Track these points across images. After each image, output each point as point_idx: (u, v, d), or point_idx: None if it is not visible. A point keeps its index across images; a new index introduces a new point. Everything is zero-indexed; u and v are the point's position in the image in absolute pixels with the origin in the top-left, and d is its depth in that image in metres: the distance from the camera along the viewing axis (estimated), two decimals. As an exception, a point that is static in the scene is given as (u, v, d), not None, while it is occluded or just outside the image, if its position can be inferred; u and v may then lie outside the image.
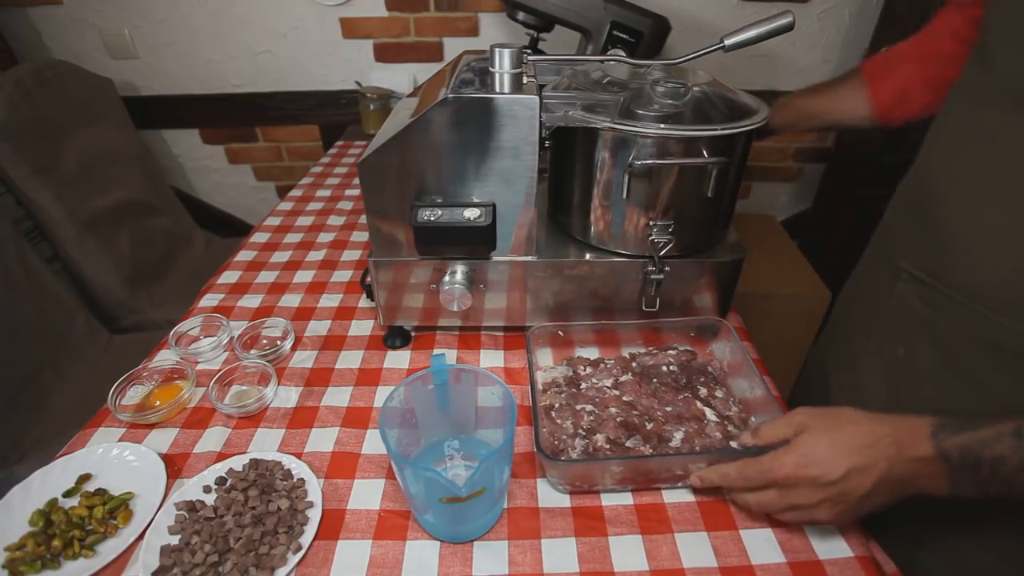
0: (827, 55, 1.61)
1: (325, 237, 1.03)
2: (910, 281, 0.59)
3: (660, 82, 0.59)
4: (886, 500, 0.46)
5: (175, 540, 0.50)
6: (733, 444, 0.56)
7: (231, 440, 0.61)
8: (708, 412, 0.59)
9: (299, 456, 0.58)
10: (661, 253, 0.64)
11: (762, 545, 0.50)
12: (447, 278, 0.66)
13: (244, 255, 0.97)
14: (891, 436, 0.45)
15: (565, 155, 0.66)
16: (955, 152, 0.55)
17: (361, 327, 0.78)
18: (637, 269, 0.67)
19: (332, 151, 1.48)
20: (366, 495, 0.55)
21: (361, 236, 1.03)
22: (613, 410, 0.59)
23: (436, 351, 0.73)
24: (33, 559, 0.49)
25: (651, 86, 0.60)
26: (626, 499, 0.54)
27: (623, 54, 1.07)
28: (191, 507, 0.52)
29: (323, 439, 0.61)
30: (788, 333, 1.44)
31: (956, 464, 0.43)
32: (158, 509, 0.53)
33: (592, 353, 0.69)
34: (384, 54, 1.61)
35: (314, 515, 0.52)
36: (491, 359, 0.72)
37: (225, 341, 0.75)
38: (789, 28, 0.61)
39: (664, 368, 0.65)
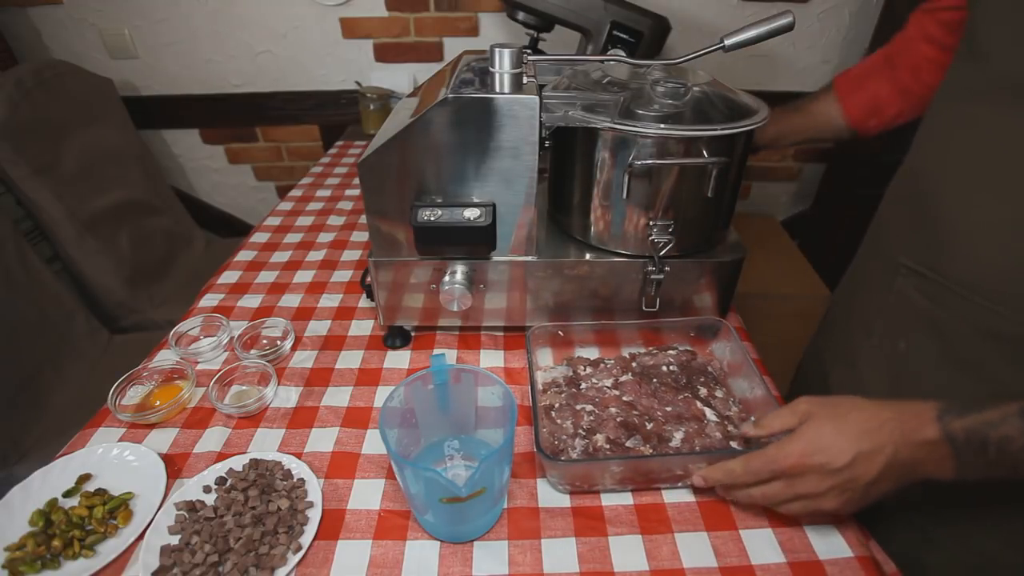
0: (827, 55, 1.61)
1: (325, 237, 1.03)
2: (909, 275, 0.59)
3: (660, 82, 0.59)
4: (892, 486, 0.46)
5: (175, 540, 0.50)
6: (733, 444, 0.56)
7: (231, 440, 0.61)
8: (708, 412, 0.59)
9: (299, 456, 0.58)
10: (661, 253, 0.64)
11: (762, 545, 0.50)
12: (447, 278, 0.66)
13: (244, 255, 0.97)
14: (896, 420, 0.45)
15: (565, 155, 0.66)
16: (949, 147, 0.56)
17: (361, 327, 0.78)
18: (637, 269, 0.67)
19: (332, 151, 1.48)
20: (366, 495, 0.55)
21: (361, 236, 1.03)
22: (613, 410, 0.59)
23: (436, 351, 0.73)
24: (33, 559, 0.49)
25: (651, 86, 0.60)
26: (626, 499, 0.54)
27: (623, 54, 1.07)
28: (191, 507, 0.52)
29: (323, 439, 0.61)
30: (788, 333, 1.44)
31: (962, 446, 0.43)
32: (158, 509, 0.53)
33: (592, 353, 0.69)
34: (384, 54, 1.61)
35: (314, 515, 0.52)
36: (491, 359, 0.72)
37: (225, 341, 0.75)
38: (789, 28, 0.61)
39: (664, 368, 0.65)
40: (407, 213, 0.62)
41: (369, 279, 0.71)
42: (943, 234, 0.55)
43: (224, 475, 0.56)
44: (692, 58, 0.63)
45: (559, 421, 0.58)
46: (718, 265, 0.68)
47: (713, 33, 1.17)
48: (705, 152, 0.58)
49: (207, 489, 0.55)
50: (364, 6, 1.53)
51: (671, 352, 0.67)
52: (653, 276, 0.65)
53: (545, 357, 0.67)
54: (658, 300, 0.68)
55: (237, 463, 0.57)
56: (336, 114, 1.70)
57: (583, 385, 0.64)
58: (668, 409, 0.60)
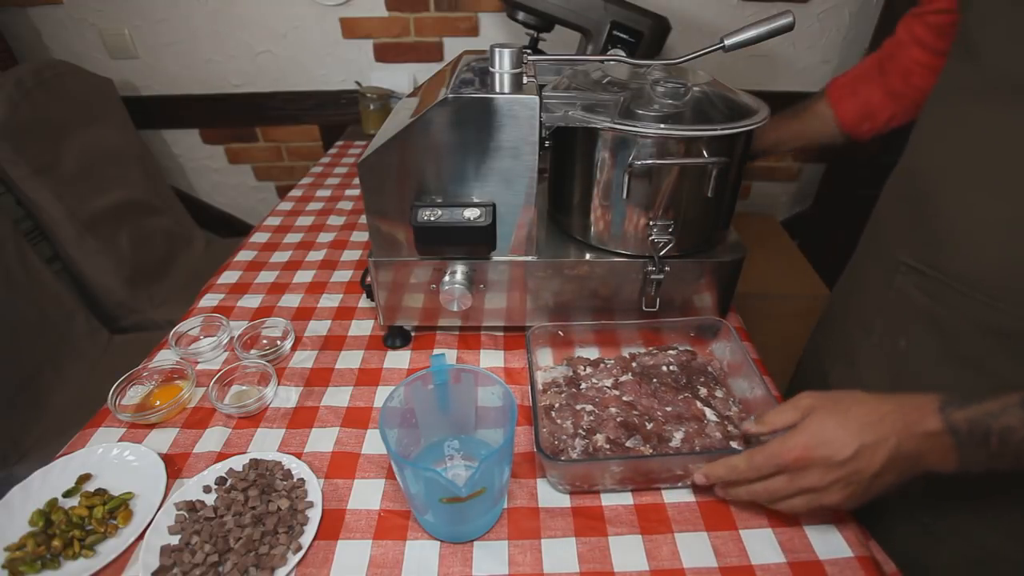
0: (827, 55, 1.61)
1: (325, 237, 1.03)
2: (909, 273, 0.59)
3: (660, 82, 0.59)
4: (896, 479, 0.46)
5: (175, 540, 0.50)
6: (733, 444, 0.56)
7: (231, 440, 0.61)
8: (708, 412, 0.59)
9: (299, 456, 0.58)
10: (661, 253, 0.64)
11: (762, 545, 0.50)
12: (447, 278, 0.66)
13: (244, 255, 0.97)
14: (898, 413, 0.45)
15: (565, 155, 0.66)
16: (945, 146, 0.56)
17: (361, 327, 0.78)
18: (637, 269, 0.67)
19: (332, 151, 1.48)
20: (366, 495, 0.55)
21: (361, 236, 1.03)
22: (613, 410, 0.59)
23: (436, 351, 0.73)
24: (33, 559, 0.49)
25: (651, 86, 0.60)
26: (626, 499, 0.54)
27: (623, 54, 1.07)
28: (191, 507, 0.52)
29: (323, 439, 0.61)
30: (788, 333, 1.44)
31: (964, 438, 0.43)
32: (158, 509, 0.53)
33: (592, 353, 0.69)
34: (384, 54, 1.61)
35: (314, 515, 0.52)
36: (491, 359, 0.72)
37: (225, 341, 0.75)
38: (789, 28, 0.61)
39: (664, 368, 0.65)
40: (407, 213, 0.62)
41: (369, 279, 0.71)
42: (942, 232, 0.55)
43: (224, 475, 0.56)
44: (692, 58, 0.63)
45: (559, 421, 0.58)
46: (718, 265, 0.68)
47: (713, 33, 1.17)
48: (705, 152, 0.58)
49: (207, 489, 0.55)
50: (364, 6, 1.53)
51: (671, 352, 0.67)
52: (653, 276, 0.65)
53: (545, 357, 0.67)
54: (658, 300, 0.68)
55: (237, 463, 0.57)
56: (336, 114, 1.70)
57: (583, 385, 0.64)
58: (668, 409, 0.60)
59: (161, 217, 1.53)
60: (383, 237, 0.66)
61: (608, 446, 0.55)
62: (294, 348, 0.75)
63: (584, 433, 0.57)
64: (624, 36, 1.08)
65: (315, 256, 0.96)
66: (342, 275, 0.91)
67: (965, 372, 0.55)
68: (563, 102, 0.61)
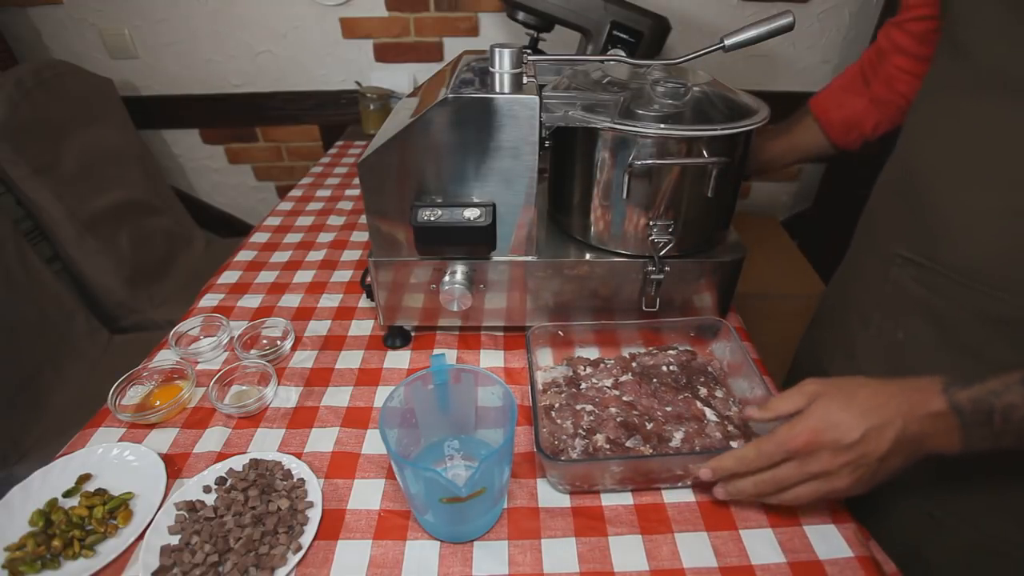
0: (827, 55, 1.61)
1: (325, 237, 1.03)
2: (905, 265, 0.60)
3: (660, 82, 0.59)
4: (903, 462, 0.46)
5: (175, 540, 0.50)
6: (733, 444, 0.56)
7: (231, 440, 0.61)
8: (708, 412, 0.59)
9: (299, 456, 0.58)
10: (661, 253, 0.64)
11: (762, 545, 0.50)
12: (447, 278, 0.66)
13: (244, 255, 0.97)
14: (903, 395, 0.46)
15: (565, 155, 0.66)
16: (937, 140, 0.57)
17: (361, 327, 0.78)
18: (637, 269, 0.67)
19: (332, 151, 1.48)
20: (366, 495, 0.55)
21: (361, 236, 1.03)
22: (613, 410, 0.59)
23: (436, 351, 0.73)
24: (33, 559, 0.49)
25: (651, 86, 0.60)
26: (626, 499, 0.54)
27: (623, 54, 1.07)
28: (191, 507, 0.52)
29: (323, 439, 0.61)
30: (788, 333, 1.44)
31: (968, 417, 0.44)
32: (158, 509, 0.53)
33: (592, 353, 0.69)
34: (384, 54, 1.61)
35: (314, 515, 0.52)
36: (491, 359, 0.72)
37: (225, 341, 0.75)
38: (789, 28, 0.61)
39: (664, 368, 0.65)
40: (407, 213, 0.62)
41: (369, 279, 0.71)
42: (937, 223, 0.56)
43: (224, 475, 0.56)
44: (692, 58, 0.63)
45: (559, 421, 0.58)
46: (718, 265, 0.68)
47: (713, 33, 1.17)
48: (705, 152, 0.58)
49: (207, 489, 0.55)
50: (364, 6, 1.53)
51: (671, 352, 0.67)
52: (653, 276, 0.65)
53: (545, 357, 0.67)
54: (658, 300, 0.68)
55: (237, 463, 0.57)
56: (336, 114, 1.70)
57: (583, 385, 0.64)
58: (668, 409, 0.60)
59: (161, 217, 1.53)
60: (383, 237, 0.66)
61: (608, 446, 0.55)
62: (294, 348, 0.75)
63: (584, 433, 0.57)
64: (624, 36, 1.08)
65: (315, 256, 0.96)
66: (342, 275, 0.91)
67: (964, 362, 0.55)
68: (563, 102, 0.61)
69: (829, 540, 0.51)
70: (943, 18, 0.58)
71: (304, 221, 1.09)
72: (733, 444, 0.56)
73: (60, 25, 1.54)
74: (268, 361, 0.70)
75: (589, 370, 0.66)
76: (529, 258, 0.67)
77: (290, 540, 0.50)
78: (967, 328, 0.54)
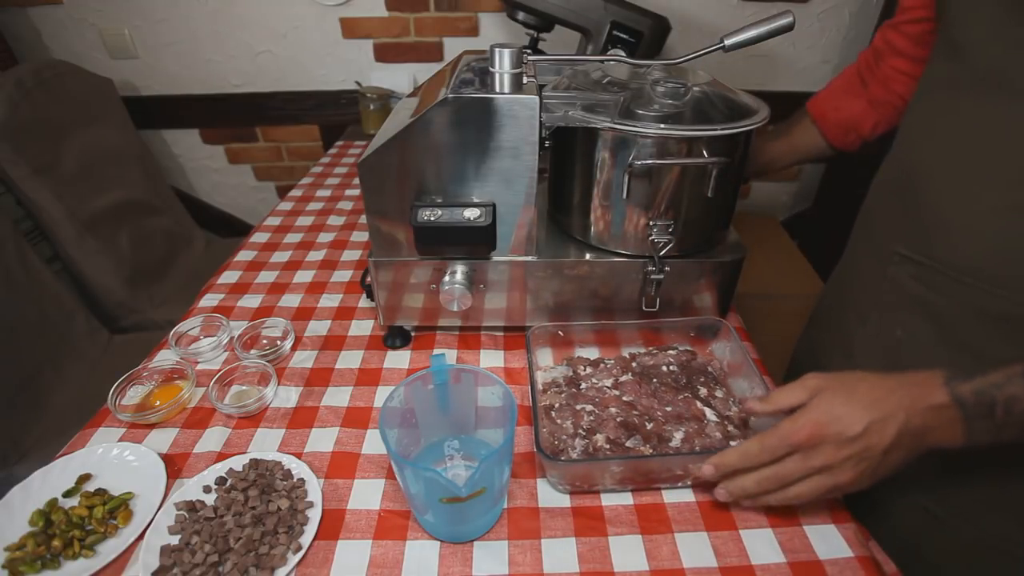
0: (827, 55, 1.61)
1: (325, 237, 1.03)
2: (902, 263, 0.60)
3: (660, 82, 0.59)
4: (905, 456, 0.46)
5: (175, 540, 0.50)
6: (733, 444, 0.56)
7: (231, 440, 0.61)
8: (708, 412, 0.59)
9: (299, 456, 0.58)
10: (661, 253, 0.64)
11: (762, 545, 0.50)
12: (447, 278, 0.66)
13: (244, 255, 0.97)
14: (905, 389, 0.46)
15: (565, 155, 0.66)
16: (934, 138, 0.57)
17: (361, 327, 0.78)
18: (637, 269, 0.67)
19: (332, 151, 1.48)
20: (366, 495, 0.55)
21: (361, 236, 1.03)
22: (613, 410, 0.59)
23: (436, 351, 0.73)
24: (33, 559, 0.49)
25: (651, 86, 0.60)
26: (626, 499, 0.54)
27: (623, 54, 1.07)
28: (191, 507, 0.52)
29: (323, 439, 0.61)
30: (788, 333, 1.44)
31: (971, 410, 0.44)
32: (158, 509, 0.53)
33: (592, 353, 0.69)
34: (384, 54, 1.61)
35: (314, 515, 0.52)
36: (491, 359, 0.72)
37: (225, 341, 0.75)
38: (789, 28, 0.61)
39: (664, 368, 0.65)
40: (407, 213, 0.62)
41: (369, 279, 0.71)
42: (934, 222, 0.56)
43: (224, 475, 0.56)
44: (692, 58, 0.63)
45: (559, 421, 0.58)
46: (718, 265, 0.68)
47: (713, 33, 1.17)
48: (705, 152, 0.58)
49: (207, 489, 0.55)
50: (364, 6, 1.53)
51: (671, 352, 0.67)
52: (653, 276, 0.65)
53: (545, 357, 0.67)
54: (658, 300, 0.68)
55: (237, 463, 0.57)
56: (336, 114, 1.70)
57: (583, 385, 0.64)
58: (668, 409, 0.60)
59: (161, 217, 1.53)
60: (383, 237, 0.66)
61: (608, 446, 0.55)
62: (294, 348, 0.75)
63: (584, 433, 0.57)
64: (624, 36, 1.08)
65: (315, 256, 0.96)
66: (342, 275, 0.91)
67: (962, 359, 0.55)
68: (563, 102, 0.61)
69: (829, 540, 0.51)
70: (940, 19, 0.58)
71: (304, 221, 1.09)
72: (733, 444, 0.56)
73: (60, 25, 1.54)
74: (268, 361, 0.70)
75: (589, 370, 0.66)
76: (529, 258, 0.67)
77: (290, 540, 0.50)
78: (965, 325, 0.55)
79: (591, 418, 0.58)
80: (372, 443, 0.61)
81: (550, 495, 0.55)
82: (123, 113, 1.52)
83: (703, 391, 0.62)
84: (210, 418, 0.64)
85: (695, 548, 0.50)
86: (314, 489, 0.54)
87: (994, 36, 0.50)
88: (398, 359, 0.72)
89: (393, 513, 0.53)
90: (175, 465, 0.58)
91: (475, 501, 0.46)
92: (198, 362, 0.73)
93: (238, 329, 0.75)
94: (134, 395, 0.67)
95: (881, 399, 0.46)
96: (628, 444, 0.56)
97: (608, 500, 0.54)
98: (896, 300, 0.61)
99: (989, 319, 0.53)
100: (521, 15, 1.14)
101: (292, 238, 1.03)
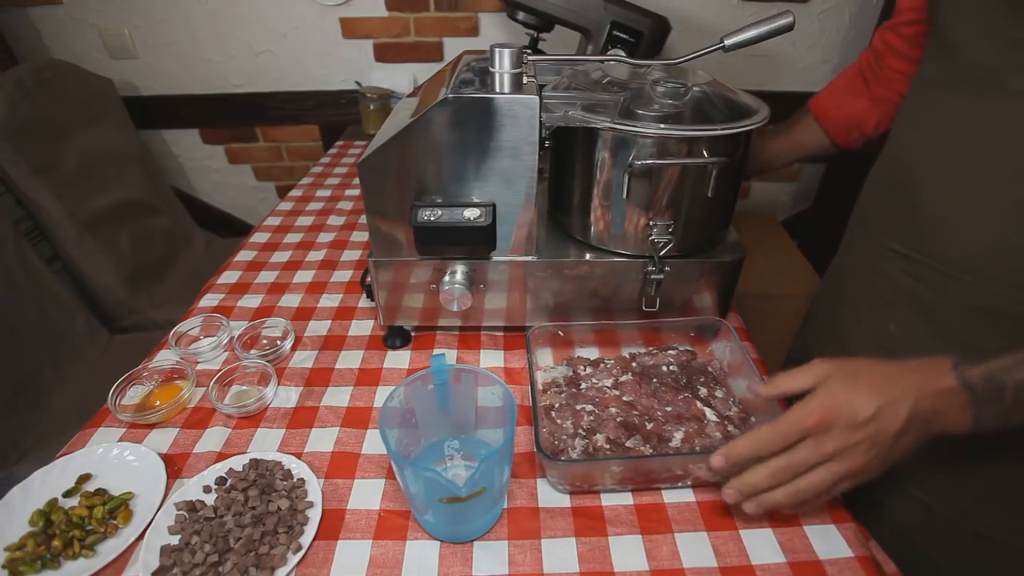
0: (827, 55, 1.61)
1: (325, 237, 1.03)
2: (895, 258, 0.60)
3: (660, 82, 0.59)
4: (915, 440, 0.46)
5: (175, 540, 0.50)
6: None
7: (231, 440, 0.61)
8: (708, 412, 0.59)
9: (299, 456, 0.58)
10: (661, 253, 0.64)
11: (762, 545, 0.50)
12: (447, 278, 0.66)
13: (244, 255, 0.97)
14: (914, 374, 0.46)
15: (565, 155, 0.66)
16: (926, 135, 0.58)
17: (361, 327, 0.78)
18: (637, 269, 0.67)
19: (332, 151, 1.48)
20: (366, 495, 0.55)
21: (361, 236, 1.03)
22: (613, 410, 0.59)
23: (436, 351, 0.73)
24: (33, 559, 0.49)
25: (651, 86, 0.60)
26: (626, 499, 0.54)
27: (623, 54, 1.07)
28: (191, 507, 0.52)
29: (323, 439, 0.61)
30: (788, 333, 1.44)
31: (979, 394, 0.44)
32: (158, 509, 0.53)
33: (592, 353, 0.69)
34: (384, 54, 1.61)
35: (314, 515, 0.52)
36: (491, 359, 0.72)
37: (225, 341, 0.75)
38: (789, 28, 0.61)
39: (664, 368, 0.65)
40: (407, 213, 0.62)
41: (369, 279, 0.71)
42: (926, 217, 0.56)
43: (224, 475, 0.56)
44: (692, 58, 0.63)
45: (559, 421, 0.58)
46: (718, 265, 0.68)
47: (713, 33, 1.17)
48: (705, 152, 0.58)
49: (207, 489, 0.55)
50: (364, 6, 1.53)
51: (671, 352, 0.67)
52: (653, 276, 0.65)
53: (545, 357, 0.67)
54: (658, 300, 0.68)
55: (237, 463, 0.57)
56: (336, 114, 1.70)
57: (583, 385, 0.64)
58: (668, 409, 0.60)
59: (161, 217, 1.53)
60: (383, 237, 0.66)
61: (608, 446, 0.55)
62: (294, 348, 0.75)
63: (584, 433, 0.57)
64: (624, 36, 1.08)
65: (315, 256, 0.96)
66: (342, 275, 0.91)
67: (957, 354, 0.55)
68: (563, 102, 0.61)
69: (829, 540, 0.51)
70: (932, 19, 0.59)
71: (304, 221, 1.09)
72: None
73: (60, 25, 1.54)
74: (268, 361, 0.70)
75: (589, 370, 0.66)
76: (529, 258, 0.67)
77: (290, 540, 0.50)
78: (959, 320, 0.55)
79: (591, 418, 0.58)
80: (372, 443, 0.61)
81: (550, 495, 0.55)
82: (123, 113, 1.52)
83: (703, 391, 0.62)
84: (210, 418, 0.64)
85: (695, 548, 0.50)
86: (314, 489, 0.54)
87: (984, 35, 0.51)
88: (398, 359, 0.72)
89: (393, 513, 0.53)
90: (175, 465, 0.58)
91: (475, 501, 0.46)
92: (198, 362, 0.73)
93: (238, 329, 0.75)
94: (134, 395, 0.67)
95: (890, 384, 0.45)
96: (628, 444, 0.56)
97: (608, 500, 0.54)
98: (889, 296, 0.62)
99: (982, 314, 0.53)
100: (521, 15, 1.14)
101: (292, 238, 1.03)
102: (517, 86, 0.59)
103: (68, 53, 1.56)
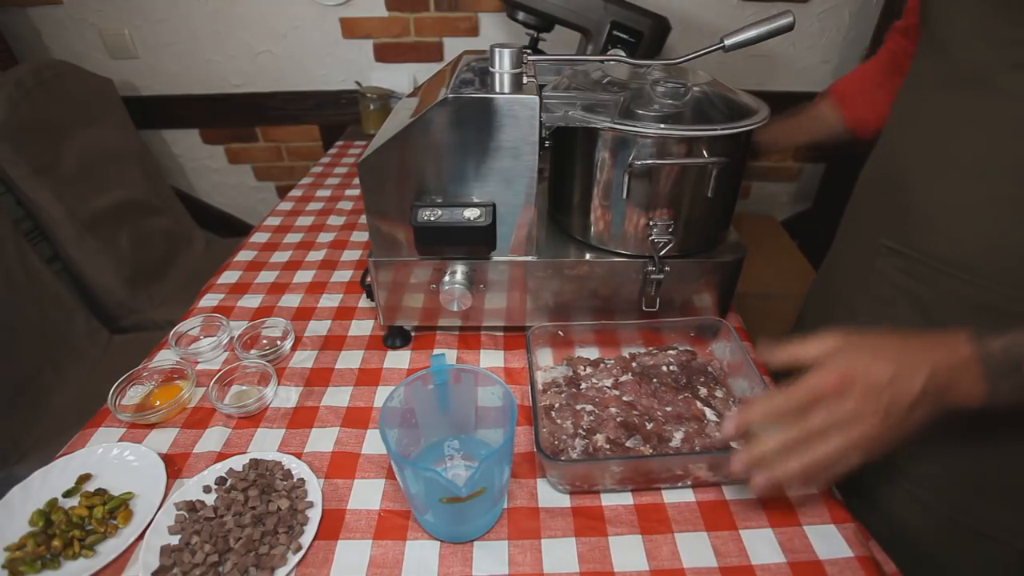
0: (827, 55, 1.61)
1: (325, 237, 1.03)
2: (890, 255, 0.60)
3: (660, 82, 0.59)
4: (929, 412, 0.45)
5: (175, 540, 0.50)
6: (733, 444, 0.56)
7: (231, 440, 0.61)
8: (708, 412, 0.59)
9: (299, 456, 0.58)
10: (661, 253, 0.64)
11: (762, 545, 0.50)
12: (447, 278, 0.66)
13: (244, 255, 0.97)
14: (930, 345, 0.45)
15: (565, 155, 0.66)
16: (919, 134, 0.58)
17: (361, 327, 0.78)
18: (637, 269, 0.67)
19: (332, 151, 1.48)
20: (366, 495, 0.55)
21: (361, 236, 1.03)
22: (613, 410, 0.59)
23: (436, 351, 0.73)
24: (33, 559, 0.49)
25: (651, 86, 0.60)
26: (626, 499, 0.54)
27: (623, 54, 1.07)
28: (191, 507, 0.52)
29: (323, 439, 0.61)
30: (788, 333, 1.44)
31: (996, 367, 0.43)
32: (158, 509, 0.53)
33: (592, 353, 0.69)
34: (384, 54, 1.61)
35: (314, 515, 0.52)
36: (491, 359, 0.72)
37: (225, 341, 0.75)
38: (789, 28, 0.61)
39: (664, 368, 0.65)
40: (407, 213, 0.62)
41: (369, 279, 0.71)
42: (919, 214, 0.57)
43: (224, 475, 0.56)
44: (692, 58, 0.63)
45: (559, 421, 0.58)
46: (718, 265, 0.68)
47: (713, 33, 1.17)
48: (705, 152, 0.58)
49: (207, 489, 0.55)
50: (364, 6, 1.53)
51: (671, 352, 0.67)
52: (653, 276, 0.65)
53: (545, 357, 0.67)
54: (658, 300, 0.68)
55: (237, 463, 0.57)
56: (336, 114, 1.70)
57: (583, 385, 0.64)
58: (668, 409, 0.60)
59: (161, 217, 1.53)
60: (383, 237, 0.66)
61: (608, 446, 0.55)
62: (294, 348, 0.75)
63: (584, 433, 0.57)
64: (624, 36, 1.08)
65: (315, 256, 0.96)
66: (342, 275, 0.91)
67: None
68: (563, 102, 0.61)
69: (829, 540, 0.51)
70: (923, 19, 0.59)
71: (304, 221, 1.09)
72: (733, 444, 0.56)
73: (60, 25, 1.54)
74: (268, 361, 0.70)
75: (589, 370, 0.66)
76: (529, 258, 0.67)
77: (290, 540, 0.50)
78: (953, 316, 0.55)
79: (591, 418, 0.58)
80: (372, 443, 0.61)
81: (550, 495, 0.55)
82: (123, 113, 1.52)
83: (703, 391, 0.62)
84: (210, 418, 0.64)
85: (695, 548, 0.50)
86: (314, 489, 0.54)
87: (976, 34, 0.51)
88: (398, 359, 0.72)
89: (393, 513, 0.53)
90: (175, 465, 0.58)
91: (475, 501, 0.46)
92: (198, 362, 0.73)
93: (238, 329, 0.75)
94: (134, 395, 0.67)
95: (906, 352, 0.45)
96: (628, 444, 0.56)
97: (608, 500, 0.54)
98: (884, 292, 0.62)
99: (976, 309, 0.53)
100: (521, 15, 1.14)
101: (292, 238, 1.03)
102: (517, 86, 0.59)
103: (68, 53, 1.56)
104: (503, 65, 0.58)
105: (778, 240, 1.70)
